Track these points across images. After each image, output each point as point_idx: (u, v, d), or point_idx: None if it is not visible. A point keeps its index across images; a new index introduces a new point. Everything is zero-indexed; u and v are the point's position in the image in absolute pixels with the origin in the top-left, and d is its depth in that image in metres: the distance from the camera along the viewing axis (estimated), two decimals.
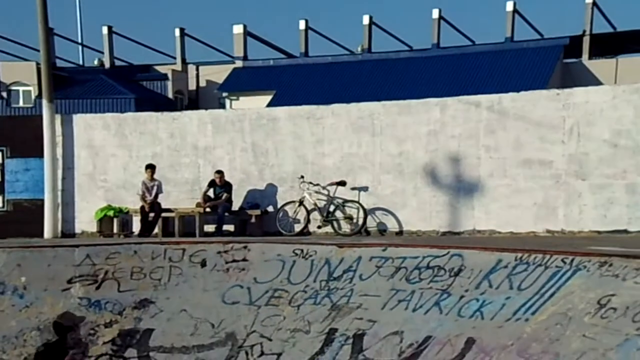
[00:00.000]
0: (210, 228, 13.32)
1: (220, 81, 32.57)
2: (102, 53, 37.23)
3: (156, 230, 13.39)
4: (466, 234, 12.07)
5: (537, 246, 7.50)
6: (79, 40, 39.17)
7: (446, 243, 8.81)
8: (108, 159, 14.22)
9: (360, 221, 12.66)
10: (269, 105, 25.67)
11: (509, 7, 32.89)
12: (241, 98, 30.53)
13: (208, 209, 13.36)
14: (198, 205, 13.42)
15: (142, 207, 13.26)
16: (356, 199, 12.79)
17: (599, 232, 11.19)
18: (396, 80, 28.08)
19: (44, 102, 14.29)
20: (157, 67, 35.96)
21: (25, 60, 34.31)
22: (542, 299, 6.23)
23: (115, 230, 13.77)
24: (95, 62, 38.68)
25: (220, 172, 13.37)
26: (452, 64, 29.31)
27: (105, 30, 36.06)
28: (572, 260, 6.49)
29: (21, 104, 33.23)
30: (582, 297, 6.04)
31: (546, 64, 28.55)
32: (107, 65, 36.47)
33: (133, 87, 33.36)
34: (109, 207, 13.88)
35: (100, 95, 32.03)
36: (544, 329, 5.89)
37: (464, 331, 6.07)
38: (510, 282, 6.55)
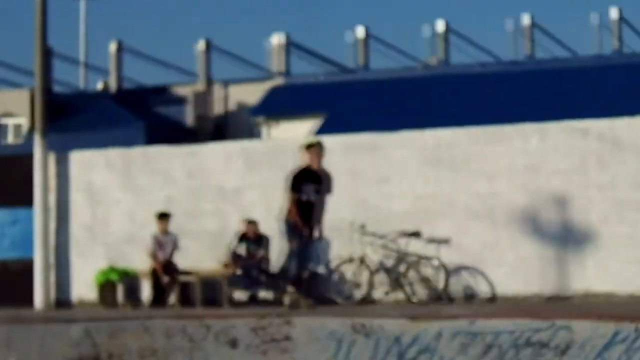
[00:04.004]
0: (241, 295, 13.21)
1: (255, 103, 32.76)
2: (108, 74, 38.01)
3: (172, 298, 13.33)
4: (577, 298, 11.80)
5: None
6: (82, 60, 39.98)
7: (551, 311, 8.56)
8: (111, 206, 14.28)
9: (441, 284, 12.49)
10: (318, 133, 25.66)
11: (614, 14, 32.72)
12: (281, 124, 30.59)
13: (238, 271, 13.25)
14: (225, 265, 13.34)
15: (154, 269, 13.20)
16: (435, 255, 12.58)
17: None
18: (481, 100, 27.82)
19: (37, 136, 14.49)
20: (175, 88, 36.34)
21: (16, 85, 35.06)
22: None
23: (120, 299, 13.74)
24: (99, 86, 39.51)
25: (253, 222, 13.30)
26: (549, 81, 29.02)
27: (112, 47, 36.66)
28: None
29: (10, 139, 33.94)
30: None
31: None
32: (113, 88, 37.17)
33: (144, 114, 33.79)
34: (112, 269, 13.88)
35: (103, 125, 32.55)
36: None
37: None
38: None
